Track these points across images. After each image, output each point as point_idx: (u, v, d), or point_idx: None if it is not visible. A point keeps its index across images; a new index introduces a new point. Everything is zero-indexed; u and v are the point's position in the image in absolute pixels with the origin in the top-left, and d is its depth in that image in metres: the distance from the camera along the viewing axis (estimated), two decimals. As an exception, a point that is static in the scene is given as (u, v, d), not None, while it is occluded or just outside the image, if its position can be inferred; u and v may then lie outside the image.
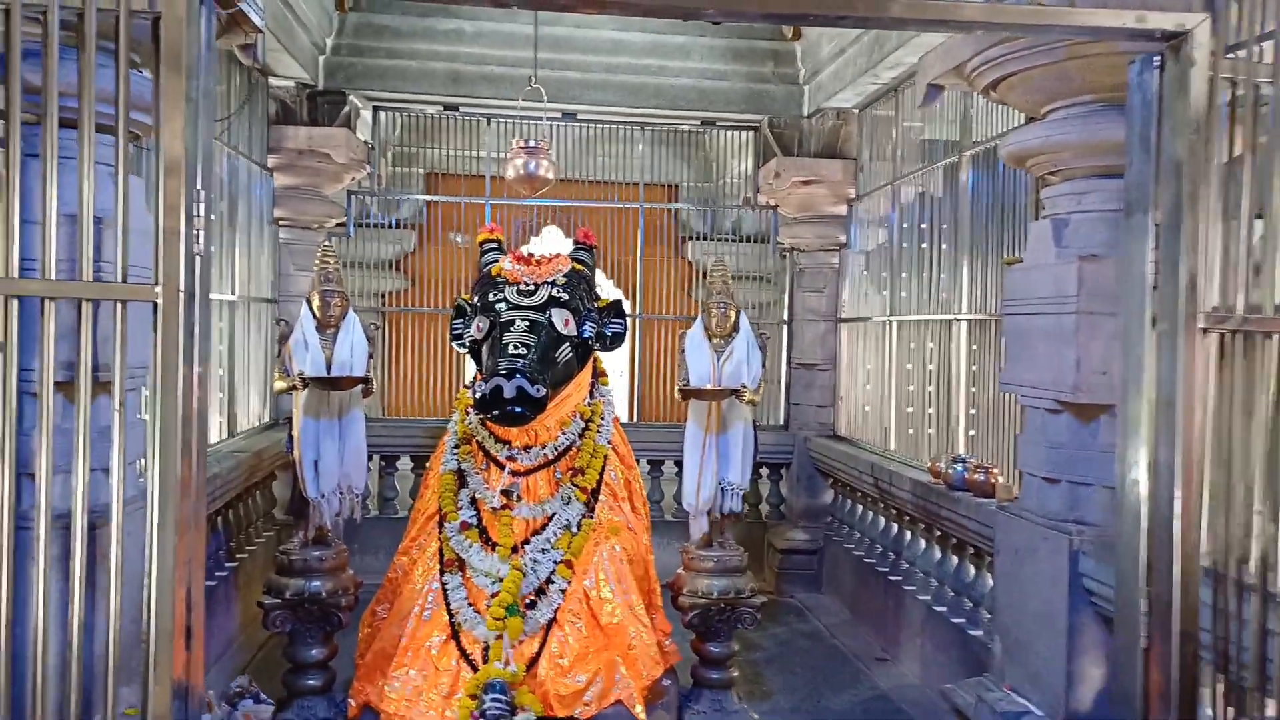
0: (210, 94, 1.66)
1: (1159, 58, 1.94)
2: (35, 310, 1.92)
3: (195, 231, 1.53)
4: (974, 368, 5.44)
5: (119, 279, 1.53)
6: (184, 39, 1.57)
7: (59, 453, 1.68)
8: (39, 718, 1.71)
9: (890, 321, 6.54)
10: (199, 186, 1.54)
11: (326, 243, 4.54)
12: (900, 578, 5.82)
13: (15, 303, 1.68)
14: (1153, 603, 2.11)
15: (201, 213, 1.54)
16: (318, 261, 4.42)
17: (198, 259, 1.55)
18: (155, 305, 1.51)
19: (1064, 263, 3.62)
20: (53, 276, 1.68)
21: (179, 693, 1.63)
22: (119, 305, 1.55)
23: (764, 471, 7.46)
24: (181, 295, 1.49)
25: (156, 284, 1.50)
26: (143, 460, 3.74)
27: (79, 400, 1.55)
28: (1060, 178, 3.81)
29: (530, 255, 4.32)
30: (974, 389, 5.45)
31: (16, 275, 1.70)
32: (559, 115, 7.32)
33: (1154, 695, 2.05)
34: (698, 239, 8.50)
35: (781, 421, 7.69)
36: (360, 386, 4.36)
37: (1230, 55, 1.95)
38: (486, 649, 3.80)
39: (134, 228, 1.72)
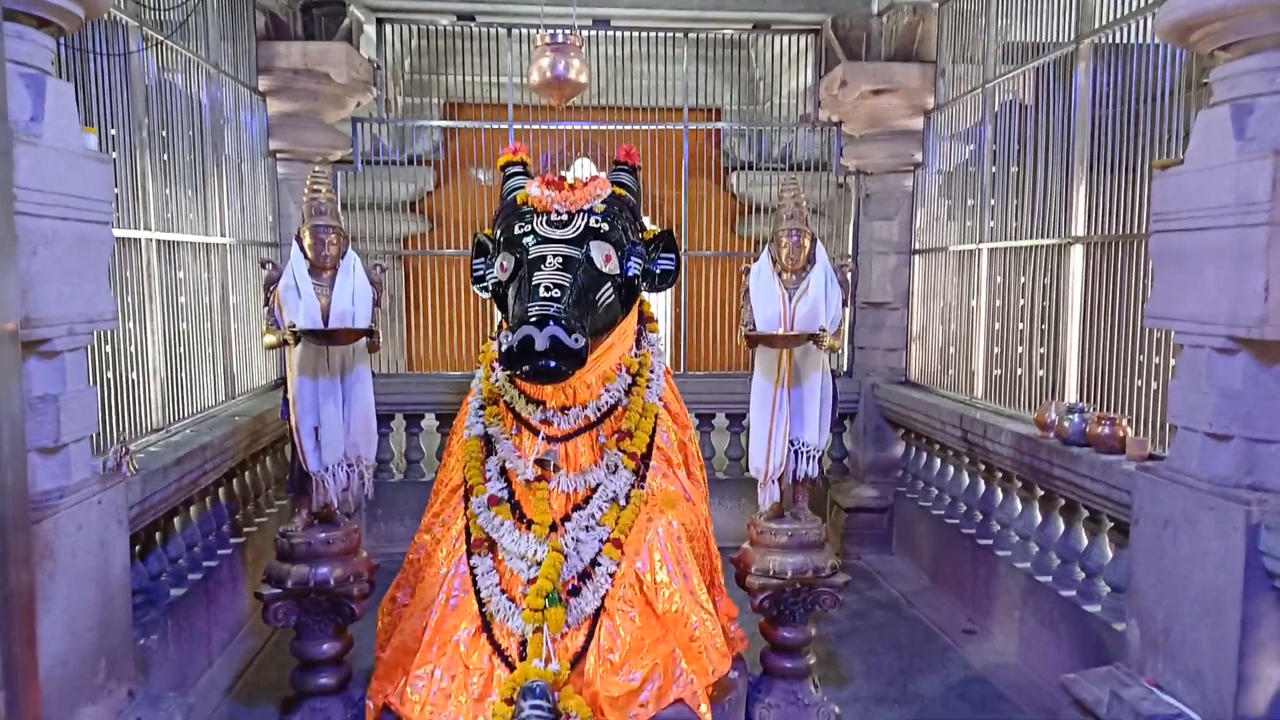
0: None
1: None
2: None
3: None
4: (1088, 300, 4.61)
5: None
6: None
7: None
8: None
9: (979, 250, 5.70)
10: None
11: (317, 169, 3.79)
12: (990, 541, 5.23)
13: None
14: None
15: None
16: (307, 191, 3.71)
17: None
18: None
19: (1250, 159, 2.87)
20: None
21: None
22: None
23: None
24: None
25: None
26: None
27: None
28: (1242, 50, 2.98)
29: (562, 179, 3.62)
30: (1087, 325, 4.63)
31: None
32: (589, 23, 6.49)
33: None
34: (744, 169, 7.68)
35: (845, 368, 6.97)
36: (365, 340, 3.67)
37: None
38: (524, 644, 3.29)
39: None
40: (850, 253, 6.95)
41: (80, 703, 2.92)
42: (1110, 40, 4.46)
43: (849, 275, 3.95)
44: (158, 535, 4.22)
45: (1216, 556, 3.02)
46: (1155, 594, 3.34)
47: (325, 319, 3.62)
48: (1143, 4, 4.16)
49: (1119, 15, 4.37)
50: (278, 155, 6.10)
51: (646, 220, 7.61)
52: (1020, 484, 4.94)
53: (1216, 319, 2.98)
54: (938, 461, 6.06)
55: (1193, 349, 3.15)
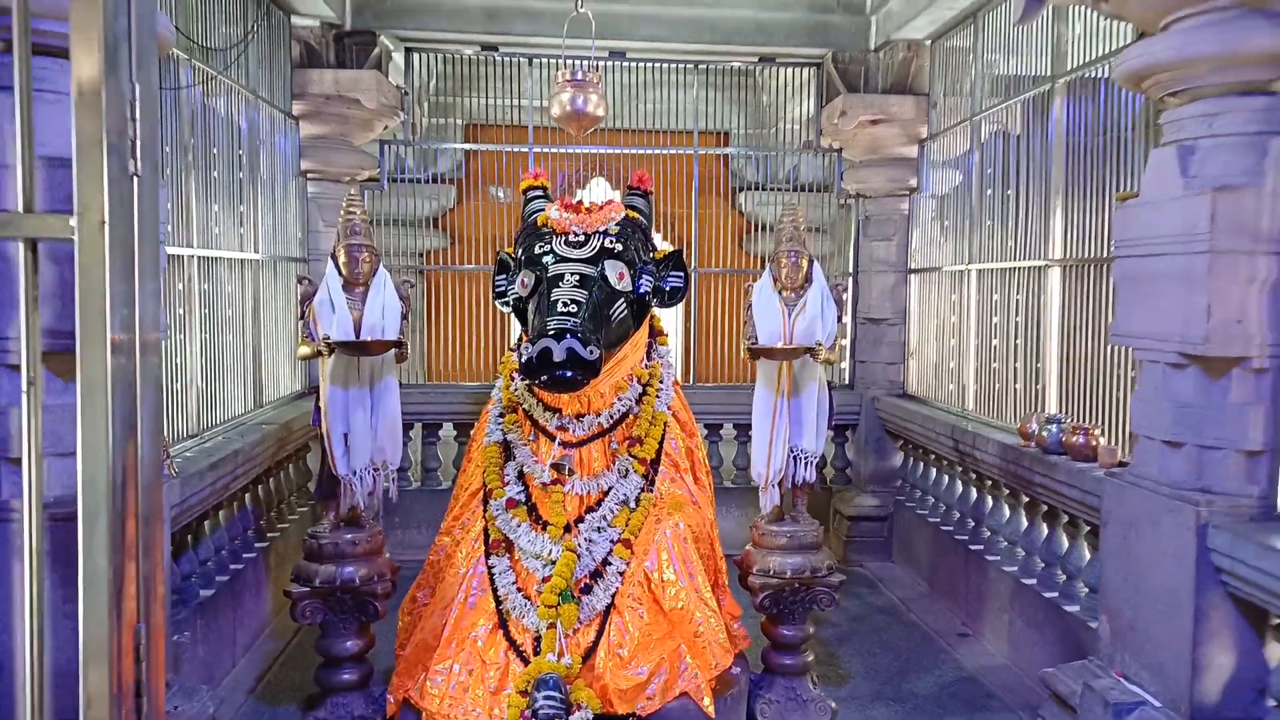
0: (147, 28, 1.23)
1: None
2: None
3: (131, 142, 1.10)
4: (1065, 318, 4.90)
5: (19, 208, 1.11)
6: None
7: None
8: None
9: (968, 270, 5.99)
10: (132, 80, 1.12)
11: (353, 192, 4.11)
12: (982, 547, 5.45)
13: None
14: None
15: (138, 120, 1.12)
16: (343, 213, 4.00)
17: (135, 181, 1.13)
18: (74, 245, 1.10)
19: (1192, 195, 3.16)
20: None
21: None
22: (22, 245, 1.13)
23: (829, 433, 7.01)
24: (108, 228, 1.08)
25: (74, 213, 1.08)
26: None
27: (25, 371, 1.13)
28: (1186, 98, 3.29)
29: (579, 202, 3.87)
30: (1064, 342, 4.92)
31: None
32: (605, 54, 6.81)
33: None
34: (752, 189, 7.97)
35: (847, 380, 7.23)
36: (393, 351, 3.95)
37: None
38: (538, 639, 3.46)
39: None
40: (851, 270, 7.22)
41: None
42: (1083, 77, 4.75)
43: (843, 294, 4.24)
44: (189, 537, 4.35)
45: (1173, 555, 3.26)
46: (1122, 591, 3.57)
47: (357, 331, 3.89)
48: (1107, 50, 4.47)
49: (1088, 59, 4.67)
50: (308, 175, 6.37)
51: (658, 238, 7.98)
52: (1007, 491, 5.18)
53: (1169, 337, 3.23)
54: (933, 471, 6.28)
55: (1150, 364, 3.40)
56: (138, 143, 1.11)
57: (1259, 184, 3.05)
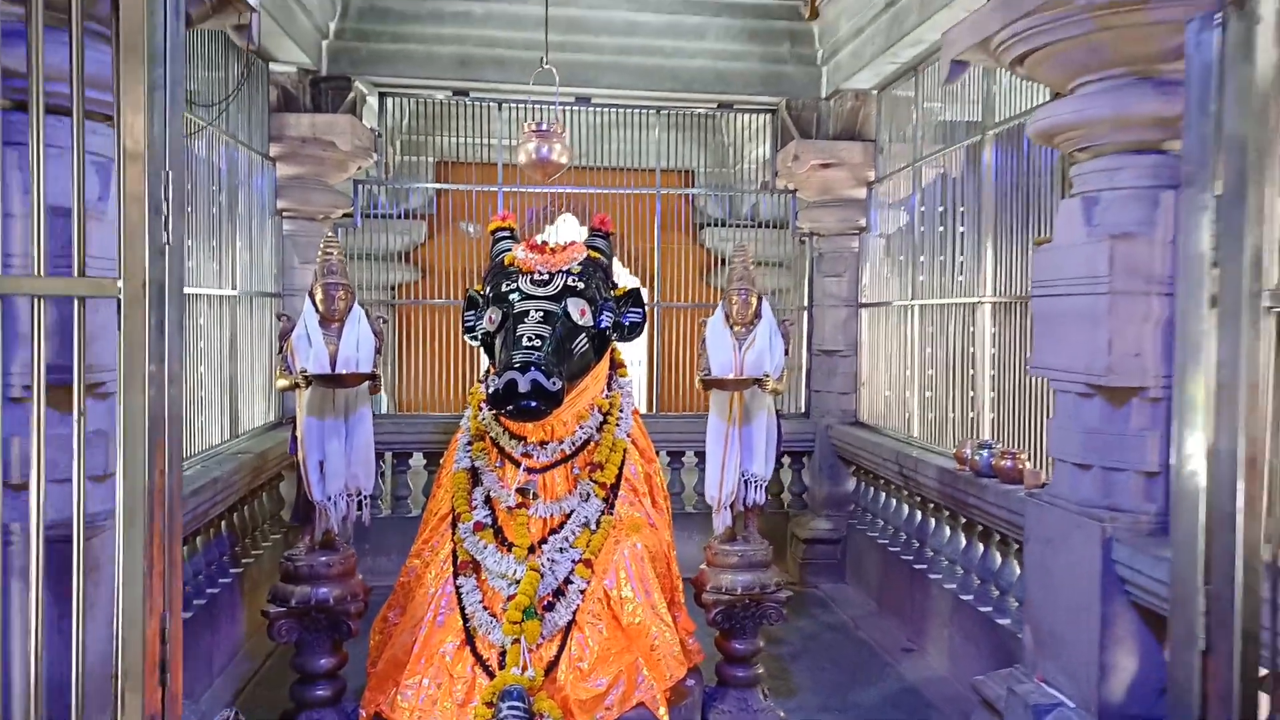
0: (178, 75, 1.51)
1: (1220, 15, 1.76)
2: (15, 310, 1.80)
3: (164, 218, 1.37)
4: (996, 351, 5.27)
5: (76, 273, 1.38)
6: (144, 19, 1.41)
7: (25, 462, 1.53)
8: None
9: (911, 306, 6.36)
10: (166, 168, 1.39)
11: (330, 233, 4.38)
12: (925, 566, 5.73)
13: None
14: (1211, 601, 1.94)
15: (170, 200, 1.39)
16: (320, 253, 4.26)
17: (167, 250, 1.40)
18: (118, 301, 1.37)
19: (1095, 242, 3.48)
20: (41, 273, 1.53)
21: (152, 732, 1.47)
22: (78, 302, 1.40)
23: (786, 460, 7.34)
24: (147, 289, 1.34)
25: (119, 278, 1.36)
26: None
27: (35, 404, 1.40)
28: (1090, 154, 3.65)
29: (544, 243, 4.15)
30: (996, 373, 5.29)
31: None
32: (572, 100, 7.15)
33: (1213, 698, 1.89)
34: (715, 225, 8.34)
35: (803, 409, 7.55)
36: (367, 383, 4.20)
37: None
38: (503, 654, 3.66)
39: (111, 219, 1.60)
40: (806, 304, 7.57)
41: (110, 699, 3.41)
42: (1010, 128, 5.16)
43: (790, 328, 4.56)
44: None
45: (1083, 567, 3.53)
46: (1041, 602, 3.85)
47: (333, 365, 4.12)
48: (1029, 106, 4.87)
49: (1014, 113, 5.09)
50: (284, 214, 6.59)
51: (626, 272, 8.28)
52: (947, 513, 5.50)
53: (1077, 369, 3.54)
54: (882, 495, 6.57)
55: (1063, 394, 3.72)
56: (170, 218, 1.38)
57: (1151, 233, 3.40)
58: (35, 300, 1.40)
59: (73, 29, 1.44)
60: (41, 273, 1.42)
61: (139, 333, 1.34)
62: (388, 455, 6.98)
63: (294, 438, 4.21)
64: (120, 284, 1.34)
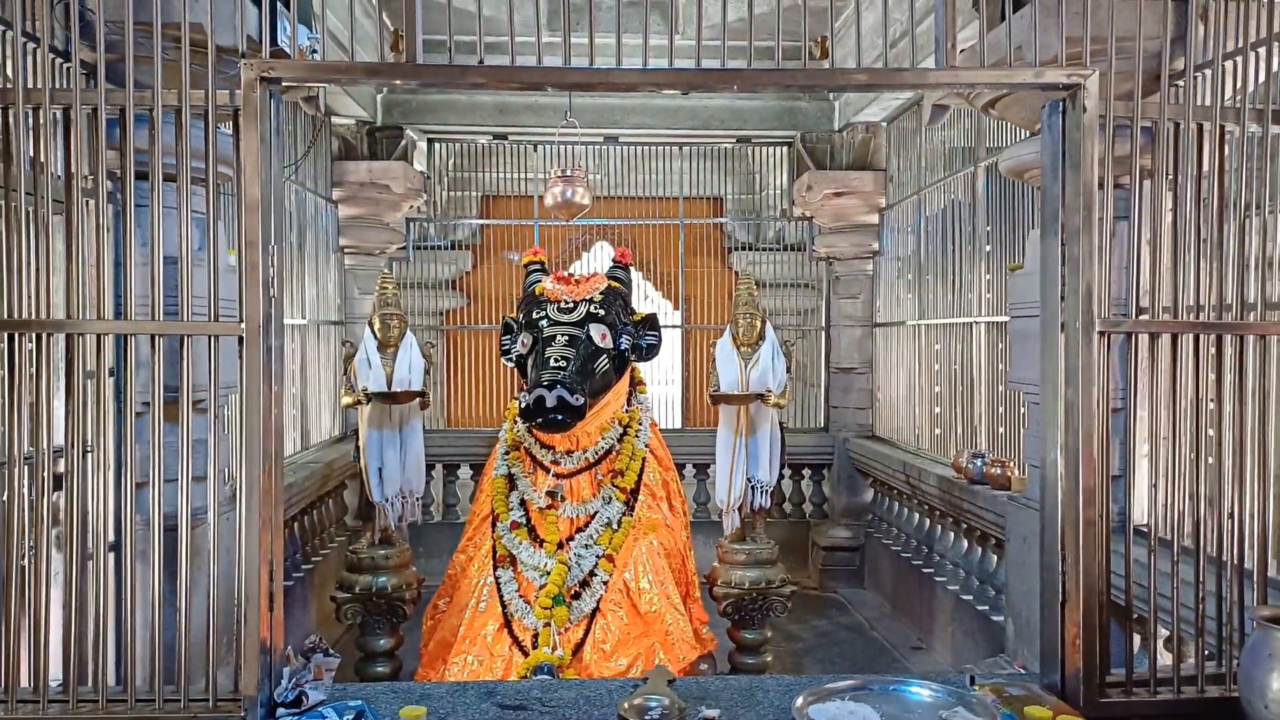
0: (278, 173, 2.08)
1: (1062, 103, 2.27)
2: (142, 345, 2.39)
3: (270, 273, 1.95)
4: (988, 367, 5.71)
5: (211, 318, 1.97)
6: (257, 122, 2.00)
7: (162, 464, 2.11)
8: (155, 685, 2.16)
9: (919, 325, 6.81)
10: (273, 243, 1.97)
11: (385, 270, 5.02)
12: (932, 570, 6.10)
13: (133, 340, 2.14)
14: (1065, 563, 2.40)
15: (275, 259, 1.97)
16: (378, 288, 4.91)
17: (272, 297, 1.98)
18: (240, 339, 1.95)
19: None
20: (160, 317, 2.11)
21: (264, 648, 2.04)
22: (212, 339, 1.99)
23: (806, 472, 7.78)
24: (261, 328, 1.92)
25: (241, 320, 1.94)
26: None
27: (182, 418, 1.98)
28: (1051, 189, 4.09)
29: (570, 275, 4.71)
30: (989, 388, 5.72)
31: (130, 317, 2.17)
32: (600, 139, 7.75)
33: (1070, 641, 2.34)
34: (743, 249, 8.87)
35: (822, 424, 7.99)
36: (418, 400, 4.80)
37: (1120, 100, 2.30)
38: (536, 636, 4.12)
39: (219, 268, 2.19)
40: (824, 324, 8.06)
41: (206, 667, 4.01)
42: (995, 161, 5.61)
43: (791, 348, 5.06)
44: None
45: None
46: (1020, 595, 4.27)
47: (389, 384, 4.77)
48: (1004, 145, 5.32)
49: (1000, 145, 5.54)
50: (345, 250, 7.29)
51: (659, 294, 8.82)
52: (950, 519, 5.91)
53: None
54: (895, 504, 6.95)
55: (1033, 405, 4.15)
56: (275, 273, 1.96)
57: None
58: (154, 338, 1.99)
59: (208, 121, 2.04)
60: (159, 317, 2.02)
61: (255, 363, 1.91)
62: (438, 467, 7.50)
63: (357, 448, 4.83)
64: (243, 326, 1.92)
